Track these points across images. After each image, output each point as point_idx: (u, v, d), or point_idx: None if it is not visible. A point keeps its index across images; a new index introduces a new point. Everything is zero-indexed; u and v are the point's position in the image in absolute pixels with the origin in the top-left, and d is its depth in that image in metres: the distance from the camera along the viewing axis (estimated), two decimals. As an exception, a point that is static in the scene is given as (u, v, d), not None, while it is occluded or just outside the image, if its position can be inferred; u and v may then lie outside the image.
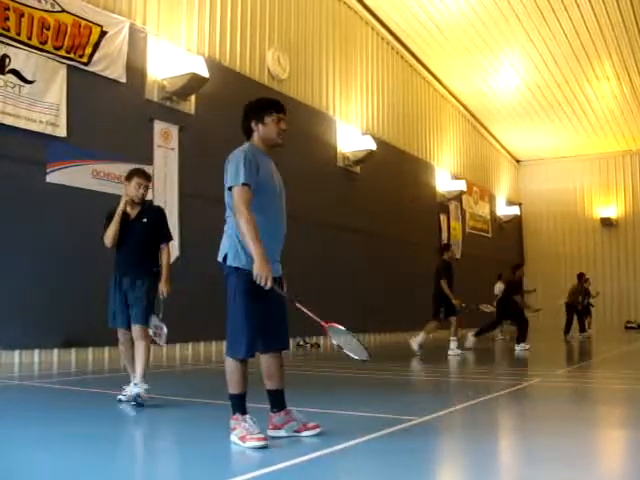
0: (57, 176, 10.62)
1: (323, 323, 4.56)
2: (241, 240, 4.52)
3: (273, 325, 4.72)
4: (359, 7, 18.72)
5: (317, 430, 4.80)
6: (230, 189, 4.68)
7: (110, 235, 6.67)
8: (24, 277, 10.02)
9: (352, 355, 4.68)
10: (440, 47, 20.90)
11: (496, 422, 5.98)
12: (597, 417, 6.15)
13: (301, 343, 15.45)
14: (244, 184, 4.57)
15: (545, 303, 29.57)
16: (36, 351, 10.18)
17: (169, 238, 6.96)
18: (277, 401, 4.80)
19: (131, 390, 6.42)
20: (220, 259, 4.66)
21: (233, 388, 4.59)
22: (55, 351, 10.34)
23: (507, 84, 23.39)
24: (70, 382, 8.18)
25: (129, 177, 6.87)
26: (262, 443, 4.36)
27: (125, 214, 6.76)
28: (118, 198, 6.40)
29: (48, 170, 10.50)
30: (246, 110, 4.93)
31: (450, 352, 12.93)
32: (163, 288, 6.76)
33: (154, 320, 6.77)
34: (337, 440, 4.60)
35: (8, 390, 8.00)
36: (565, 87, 23.33)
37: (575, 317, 20.34)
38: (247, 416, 4.55)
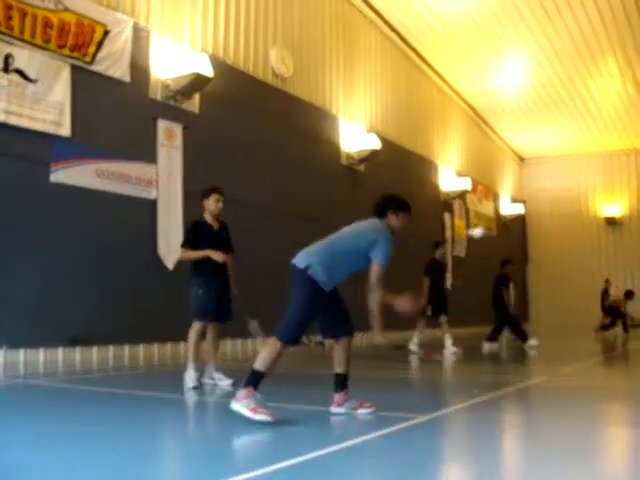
0: (61, 175, 10.61)
1: None
2: (333, 269, 5.76)
3: (335, 315, 5.93)
4: (363, 5, 18.69)
5: (372, 409, 5.75)
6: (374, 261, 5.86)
7: (186, 260, 8.14)
8: (28, 276, 10.02)
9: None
10: (444, 45, 20.86)
11: (500, 420, 5.97)
12: (601, 416, 6.14)
13: (304, 341, 15.43)
14: (384, 270, 5.80)
15: (550, 301, 29.59)
16: (41, 349, 10.17)
17: (233, 249, 8.37)
18: (340, 382, 5.83)
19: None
20: (300, 266, 5.64)
21: (261, 366, 5.35)
22: (60, 349, 10.33)
23: (511, 82, 23.35)
24: (75, 381, 8.19)
25: (208, 194, 8.26)
26: (272, 419, 5.12)
27: (208, 225, 8.14)
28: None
29: (52, 169, 10.49)
30: (389, 199, 6.22)
31: (446, 351, 12.94)
32: (235, 289, 8.17)
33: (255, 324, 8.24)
34: (340, 438, 4.60)
35: (13, 389, 8.02)
36: (569, 85, 23.28)
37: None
38: (257, 393, 5.27)
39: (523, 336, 14.37)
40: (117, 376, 9.22)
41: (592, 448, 4.67)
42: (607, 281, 24.64)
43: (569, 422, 5.65)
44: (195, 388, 7.61)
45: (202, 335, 7.98)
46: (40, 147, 10.37)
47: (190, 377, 7.71)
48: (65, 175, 10.65)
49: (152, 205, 12.00)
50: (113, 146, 11.41)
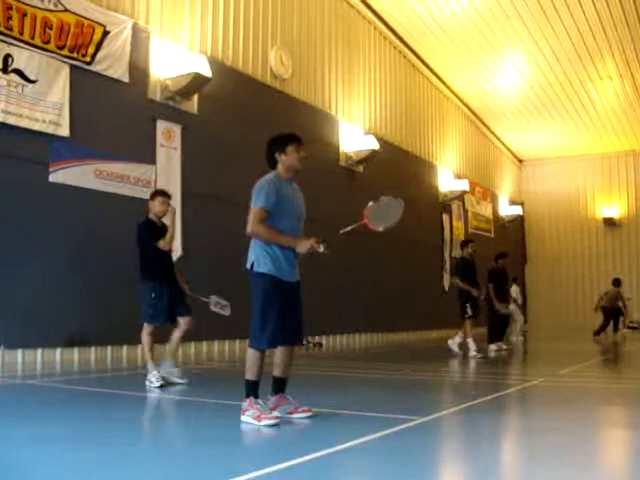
0: (60, 175, 10.62)
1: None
2: (270, 245, 5.39)
3: (291, 322, 5.48)
4: (362, 6, 18.70)
5: (308, 413, 5.49)
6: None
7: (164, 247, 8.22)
8: (26, 276, 10.02)
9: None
10: (443, 46, 20.87)
11: (499, 422, 5.97)
12: (599, 417, 6.15)
13: (304, 342, 15.42)
14: (261, 207, 5.36)
15: (548, 302, 29.59)
16: (39, 350, 10.18)
17: None
18: (277, 386, 5.57)
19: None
20: (248, 266, 5.46)
21: (251, 375, 5.36)
22: (58, 350, 10.34)
23: (510, 83, 23.37)
24: (73, 381, 8.19)
25: (153, 196, 8.34)
26: (276, 421, 5.17)
27: (157, 225, 8.23)
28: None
29: (51, 169, 10.50)
30: (269, 144, 5.71)
31: (471, 354, 12.43)
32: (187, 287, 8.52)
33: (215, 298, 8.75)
34: (340, 439, 4.60)
35: (11, 389, 8.01)
36: (568, 86, 23.30)
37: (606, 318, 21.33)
38: (259, 399, 5.32)
39: (492, 338, 14.03)
40: (115, 377, 9.22)
41: (590, 450, 4.68)
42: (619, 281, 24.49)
43: (566, 424, 5.65)
44: (162, 386, 7.67)
45: (155, 337, 8.09)
46: (39, 147, 10.38)
47: (154, 377, 7.76)
48: (64, 175, 10.66)
49: (151, 205, 12.00)
50: (112, 146, 11.42)
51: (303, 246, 5.35)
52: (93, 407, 6.52)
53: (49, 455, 4.38)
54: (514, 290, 19.24)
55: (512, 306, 16.77)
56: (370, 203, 5.81)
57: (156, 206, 8.23)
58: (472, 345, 12.56)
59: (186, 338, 8.44)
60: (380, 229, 5.63)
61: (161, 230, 8.22)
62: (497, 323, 14.19)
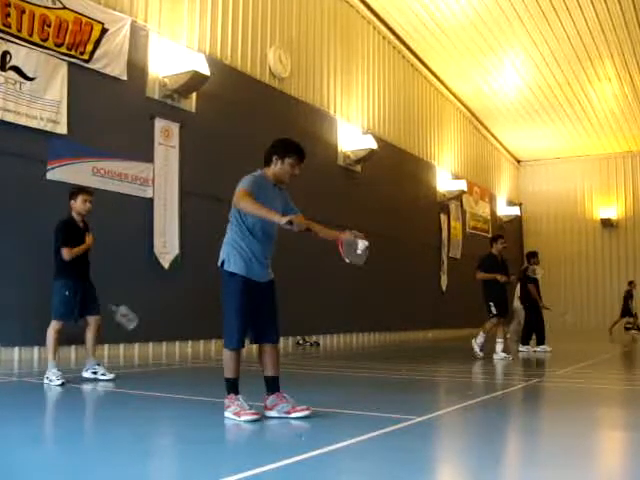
0: (57, 173, 10.60)
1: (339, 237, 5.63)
2: (242, 245, 5.40)
3: (263, 322, 5.53)
4: (361, 6, 18.69)
5: (306, 412, 5.40)
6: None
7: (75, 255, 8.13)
8: (23, 274, 10.00)
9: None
10: (442, 47, 20.87)
11: (495, 422, 5.97)
12: (596, 418, 6.14)
13: (300, 342, 15.45)
14: (245, 188, 5.34)
15: (544, 301, 29.60)
16: (36, 348, 10.16)
17: None
18: (269, 385, 5.53)
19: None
20: (219, 264, 5.47)
21: (228, 373, 5.42)
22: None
23: (508, 84, 23.37)
24: (69, 379, 8.17)
25: (75, 194, 8.26)
26: (255, 417, 5.22)
27: (77, 226, 8.22)
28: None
29: (48, 167, 10.49)
30: (274, 143, 5.67)
31: (496, 356, 12.03)
32: None
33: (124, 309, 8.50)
34: (335, 439, 4.59)
35: (8, 387, 7.99)
36: (566, 88, 23.31)
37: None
38: (239, 396, 5.37)
39: (538, 339, 14.03)
40: (127, 374, 9.19)
41: (587, 451, 4.68)
42: (631, 283, 24.66)
43: (563, 424, 5.65)
44: (62, 385, 7.61)
45: (60, 334, 8.11)
46: (37, 145, 10.37)
47: (54, 375, 7.74)
48: (61, 173, 10.65)
49: (148, 204, 12.00)
50: (110, 144, 11.41)
51: (280, 221, 5.13)
52: (88, 406, 6.51)
53: (40, 454, 4.37)
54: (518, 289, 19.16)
55: (517, 304, 16.77)
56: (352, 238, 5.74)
57: (78, 204, 8.20)
58: (499, 346, 12.15)
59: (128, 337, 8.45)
60: (345, 259, 5.73)
61: (80, 230, 8.24)
62: (536, 324, 14.12)
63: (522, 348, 14.01)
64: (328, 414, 5.71)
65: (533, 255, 15.09)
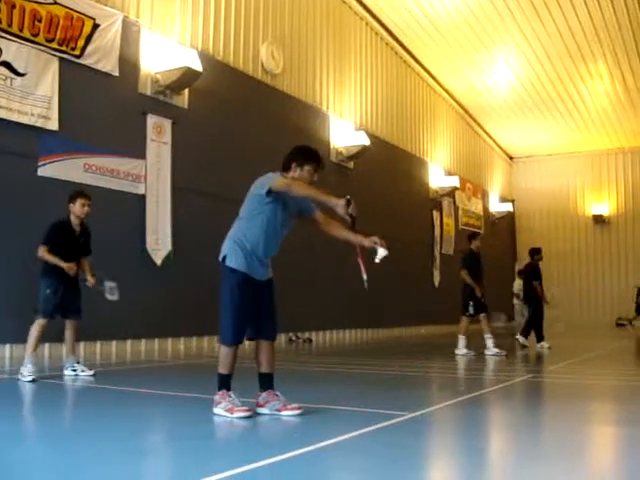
0: (49, 169, 10.57)
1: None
2: (244, 242, 5.39)
3: (261, 319, 5.54)
4: (354, 2, 18.68)
5: (297, 411, 5.41)
6: (268, 192, 5.35)
7: (44, 259, 8.19)
8: (14, 270, 9.97)
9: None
10: (434, 43, 20.87)
11: (487, 418, 5.97)
12: (587, 413, 6.15)
13: (293, 338, 15.44)
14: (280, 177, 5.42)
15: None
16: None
17: (91, 251, 8.69)
18: (263, 382, 5.55)
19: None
20: (220, 258, 5.47)
21: (222, 369, 5.44)
22: (46, 345, 10.27)
23: (501, 81, 23.39)
24: (59, 377, 8.16)
25: (74, 198, 8.35)
26: (248, 413, 5.28)
27: (72, 229, 8.36)
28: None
29: (40, 163, 10.45)
30: (294, 150, 5.69)
31: (487, 352, 12.04)
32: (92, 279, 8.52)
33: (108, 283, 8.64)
34: (328, 435, 4.59)
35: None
36: (559, 85, 23.34)
37: None
38: (231, 392, 5.41)
39: (539, 336, 14.04)
40: (103, 372, 9.17)
41: (577, 446, 4.69)
42: None
43: (555, 420, 5.66)
44: (33, 381, 7.68)
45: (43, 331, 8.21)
46: (28, 141, 10.33)
47: (27, 371, 7.80)
48: (53, 169, 10.61)
49: (141, 200, 11.98)
50: (101, 140, 11.38)
51: (337, 203, 5.26)
52: (82, 404, 6.49)
53: (29, 451, 4.35)
54: (517, 285, 19.26)
55: (516, 301, 16.83)
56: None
57: (77, 208, 8.31)
58: (462, 342, 12.26)
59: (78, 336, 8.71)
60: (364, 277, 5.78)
61: (74, 234, 8.37)
62: (538, 320, 14.11)
63: (520, 337, 13.88)
64: (320, 410, 5.71)
65: (537, 252, 14.94)
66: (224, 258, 5.45)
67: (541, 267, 14.84)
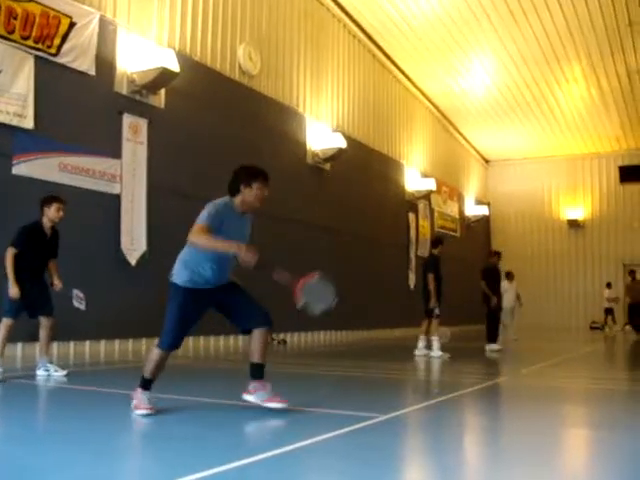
0: (23, 168, 10.48)
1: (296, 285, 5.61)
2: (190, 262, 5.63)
3: (245, 312, 5.75)
4: (331, 4, 18.70)
5: (283, 405, 5.59)
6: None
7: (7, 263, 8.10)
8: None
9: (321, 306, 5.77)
10: (412, 46, 20.96)
11: (460, 420, 6.01)
12: (560, 417, 6.21)
13: (268, 340, 15.39)
14: (203, 223, 5.39)
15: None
16: (19, 344, 10.07)
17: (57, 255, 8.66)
18: (254, 371, 5.74)
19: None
20: (169, 278, 5.79)
21: (148, 373, 5.72)
22: (18, 345, 10.19)
23: (477, 84, 23.53)
24: (32, 376, 8.11)
25: (49, 202, 8.36)
26: (148, 412, 5.49)
27: (43, 233, 8.36)
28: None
29: (14, 162, 10.37)
30: (237, 173, 5.71)
31: (416, 352, 12.63)
32: (60, 282, 8.51)
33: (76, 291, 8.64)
34: (302, 437, 4.60)
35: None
36: (534, 88, 23.53)
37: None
38: (147, 392, 5.64)
39: (491, 337, 14.17)
40: (79, 373, 9.13)
41: (551, 448, 4.73)
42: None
43: (528, 422, 5.71)
44: (2, 381, 7.69)
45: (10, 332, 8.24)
46: (2, 139, 10.24)
47: None
48: (27, 168, 10.53)
49: (116, 200, 11.92)
50: (77, 139, 11.31)
51: (246, 253, 5.21)
52: (55, 404, 6.46)
53: (7, 454, 4.33)
54: (504, 286, 19.35)
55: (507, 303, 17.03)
56: (315, 278, 5.87)
57: (52, 212, 8.33)
58: (421, 343, 12.77)
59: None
60: (299, 303, 5.59)
61: (46, 237, 8.38)
62: (494, 321, 14.28)
63: (494, 346, 14.00)
64: (293, 412, 5.71)
65: (491, 254, 15.38)
66: (170, 274, 5.79)
67: (500, 269, 15.38)
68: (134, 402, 5.60)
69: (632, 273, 22.82)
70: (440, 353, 12.31)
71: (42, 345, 8.46)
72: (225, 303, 5.77)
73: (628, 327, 22.48)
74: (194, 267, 5.60)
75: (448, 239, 25.41)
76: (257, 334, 5.75)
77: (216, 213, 5.45)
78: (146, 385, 5.67)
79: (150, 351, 5.83)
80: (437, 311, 12.79)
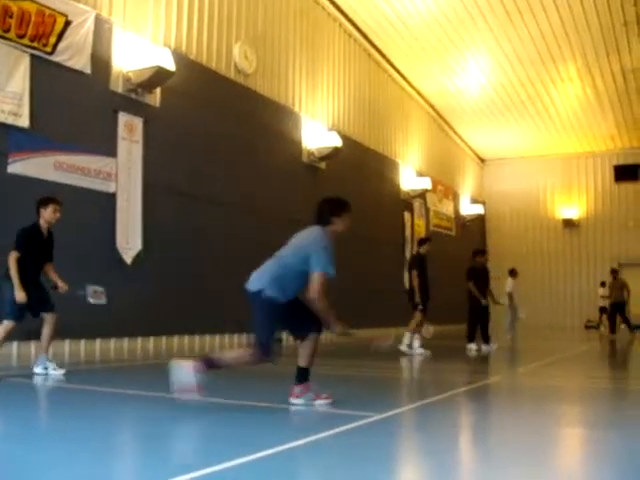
0: (18, 166, 10.46)
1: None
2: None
3: (303, 319, 6.19)
4: (326, 3, 18.70)
5: (329, 400, 6.15)
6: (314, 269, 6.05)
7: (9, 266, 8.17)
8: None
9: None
10: (407, 45, 20.96)
11: (454, 420, 6.02)
12: (555, 416, 6.22)
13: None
14: (326, 274, 6.03)
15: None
16: (14, 343, 10.04)
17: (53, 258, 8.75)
18: (298, 375, 6.18)
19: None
20: (254, 289, 5.98)
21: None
22: (15, 344, 10.19)
23: (473, 83, 23.54)
24: (29, 375, 8.11)
25: (46, 203, 8.47)
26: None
27: (40, 234, 8.44)
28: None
29: (9, 160, 10.34)
30: (328, 206, 6.38)
31: (401, 347, 12.86)
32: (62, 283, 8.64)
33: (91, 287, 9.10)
34: (296, 436, 4.61)
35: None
36: (530, 88, 23.55)
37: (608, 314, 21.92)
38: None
39: (471, 336, 14.21)
40: (74, 372, 9.13)
41: (544, 448, 4.74)
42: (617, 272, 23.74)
43: (522, 421, 5.72)
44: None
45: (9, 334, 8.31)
46: (-3, 138, 10.22)
47: None
48: (23, 166, 10.51)
49: (111, 199, 11.90)
50: (72, 138, 11.29)
51: (340, 330, 6.12)
52: (53, 403, 6.46)
53: (5, 453, 4.33)
54: (508, 284, 19.46)
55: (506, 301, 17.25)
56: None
57: (48, 213, 8.43)
58: (417, 342, 13.12)
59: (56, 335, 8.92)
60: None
61: (43, 238, 8.47)
62: (479, 321, 14.34)
63: (483, 347, 14.06)
64: (289, 411, 5.72)
65: (477, 253, 15.50)
66: (260, 290, 5.95)
67: (489, 268, 15.66)
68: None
69: (614, 272, 22.81)
70: (422, 350, 12.70)
71: (44, 342, 8.48)
72: (289, 314, 6.18)
73: (623, 326, 22.48)
74: (286, 285, 6.03)
75: (444, 238, 25.55)
76: (312, 339, 6.19)
77: (329, 251, 6.15)
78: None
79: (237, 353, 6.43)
80: (420, 307, 13.19)
